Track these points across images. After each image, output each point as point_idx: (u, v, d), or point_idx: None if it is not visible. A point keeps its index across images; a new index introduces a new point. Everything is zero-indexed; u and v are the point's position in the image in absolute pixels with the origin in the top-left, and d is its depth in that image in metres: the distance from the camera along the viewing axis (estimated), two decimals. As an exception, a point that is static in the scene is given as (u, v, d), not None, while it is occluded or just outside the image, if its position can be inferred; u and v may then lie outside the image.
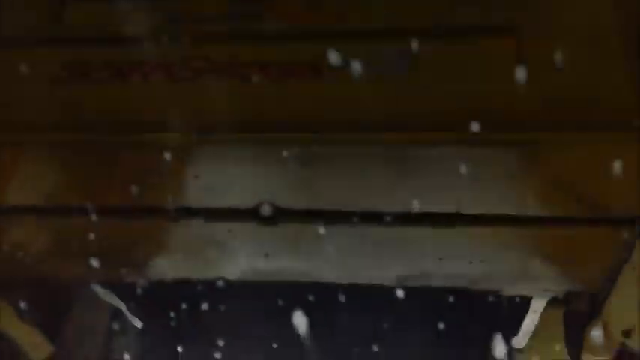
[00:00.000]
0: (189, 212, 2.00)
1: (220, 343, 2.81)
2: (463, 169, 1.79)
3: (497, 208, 1.90)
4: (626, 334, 2.02)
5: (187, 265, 2.27)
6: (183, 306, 2.79)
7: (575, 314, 2.36)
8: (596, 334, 2.05)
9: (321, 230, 2.02)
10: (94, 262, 2.11)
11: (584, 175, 1.75)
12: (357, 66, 1.75)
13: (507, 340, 2.62)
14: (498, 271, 2.13)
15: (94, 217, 1.96)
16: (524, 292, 2.33)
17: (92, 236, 2.04)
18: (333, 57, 1.76)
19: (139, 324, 2.94)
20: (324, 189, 1.93)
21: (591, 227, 1.87)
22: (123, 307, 2.83)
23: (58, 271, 2.27)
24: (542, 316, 2.44)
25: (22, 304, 2.32)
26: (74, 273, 2.30)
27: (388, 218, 1.95)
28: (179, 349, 2.94)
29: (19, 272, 2.21)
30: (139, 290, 2.48)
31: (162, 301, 2.75)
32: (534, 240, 1.98)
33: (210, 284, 2.52)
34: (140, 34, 1.81)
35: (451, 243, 2.05)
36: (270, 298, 2.69)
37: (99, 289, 2.58)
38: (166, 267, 2.28)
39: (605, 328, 2.06)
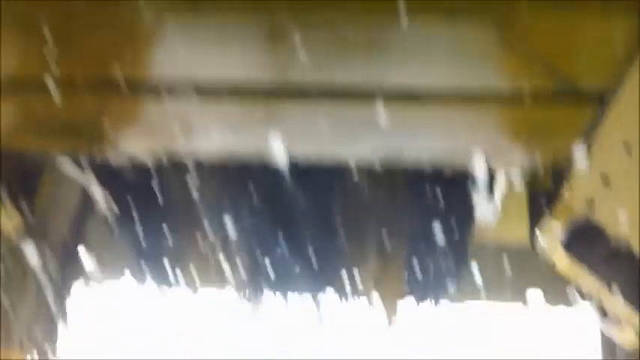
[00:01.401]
0: (159, 86, 1.96)
1: (196, 226, 2.85)
2: (435, 43, 1.77)
3: (469, 83, 1.90)
4: (590, 203, 2.11)
5: (156, 142, 2.25)
6: (159, 190, 2.79)
7: (539, 194, 2.42)
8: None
9: (292, 106, 2.01)
10: (60, 136, 2.09)
11: (558, 48, 1.74)
12: None
13: (472, 218, 2.70)
14: (467, 147, 2.15)
15: (59, 90, 1.92)
16: (492, 169, 2.37)
17: (57, 109, 2.00)
18: None
19: (113, 207, 2.94)
20: (296, 62, 1.89)
21: (561, 101, 1.88)
22: (96, 188, 2.82)
23: (24, 144, 2.25)
24: (506, 195, 2.49)
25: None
26: (40, 147, 2.28)
27: (359, 94, 1.94)
28: (154, 234, 2.97)
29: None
30: (112, 173, 2.49)
31: (137, 185, 2.75)
32: (505, 115, 2.00)
33: (183, 168, 2.52)
34: None
35: (421, 119, 2.06)
36: (243, 180, 2.71)
37: (69, 167, 2.56)
38: (134, 143, 2.26)
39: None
